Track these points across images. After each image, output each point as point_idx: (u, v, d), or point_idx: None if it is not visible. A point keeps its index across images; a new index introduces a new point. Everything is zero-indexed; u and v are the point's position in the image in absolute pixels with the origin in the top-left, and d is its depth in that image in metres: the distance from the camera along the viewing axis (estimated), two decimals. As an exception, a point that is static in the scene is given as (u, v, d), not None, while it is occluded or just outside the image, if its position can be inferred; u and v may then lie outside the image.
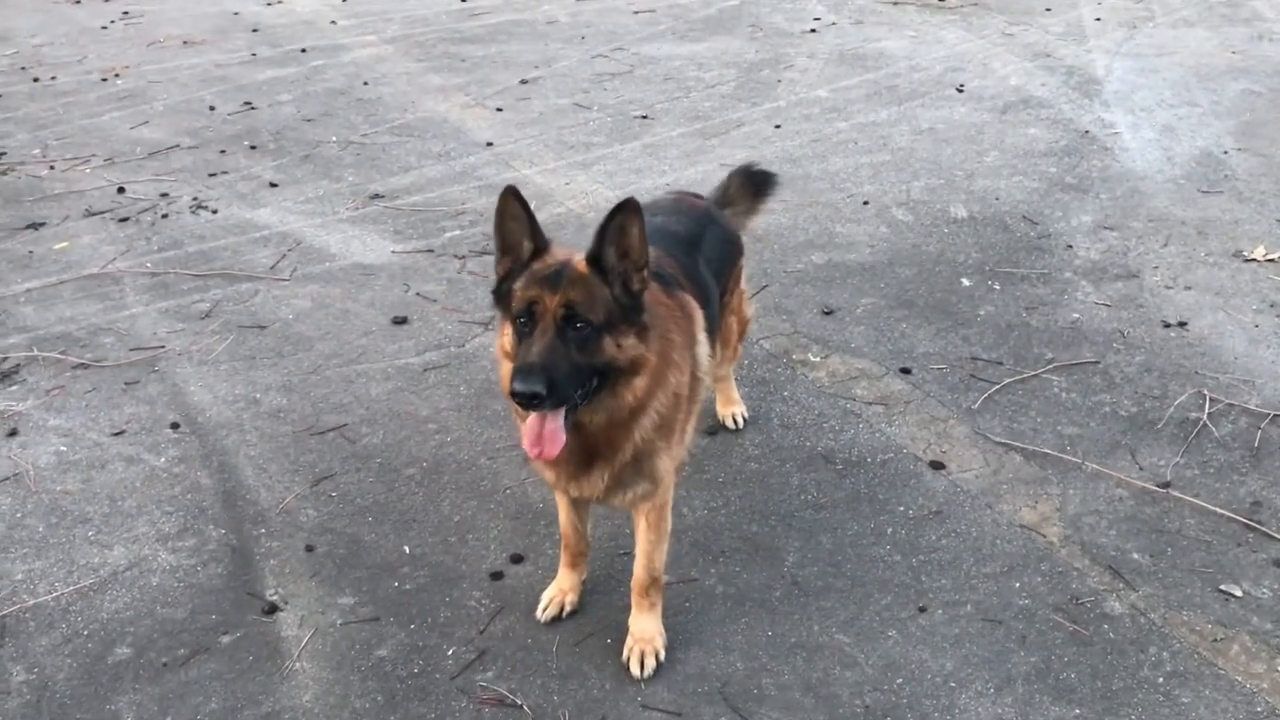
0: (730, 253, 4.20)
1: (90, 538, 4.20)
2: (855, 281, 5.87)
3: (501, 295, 3.11)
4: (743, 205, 4.58)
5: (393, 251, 6.40)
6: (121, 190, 7.38)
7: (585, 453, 3.17)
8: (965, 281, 5.83)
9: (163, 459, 4.63)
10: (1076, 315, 5.47)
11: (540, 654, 3.57)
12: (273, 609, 3.81)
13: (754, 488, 4.32)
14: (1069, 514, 4.13)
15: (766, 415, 4.75)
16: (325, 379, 5.14)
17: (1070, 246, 6.18)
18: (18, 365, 5.37)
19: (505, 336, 3.11)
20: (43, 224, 6.96)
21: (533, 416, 2.97)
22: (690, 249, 3.85)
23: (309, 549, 4.07)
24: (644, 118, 8.46)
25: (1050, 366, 5.04)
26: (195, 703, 3.46)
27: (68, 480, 4.53)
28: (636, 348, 3.03)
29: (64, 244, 6.66)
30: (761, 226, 6.50)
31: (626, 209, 2.97)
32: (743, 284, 4.45)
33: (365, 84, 9.45)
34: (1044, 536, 4.02)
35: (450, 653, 3.61)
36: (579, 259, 3.05)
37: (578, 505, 3.62)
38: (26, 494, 4.45)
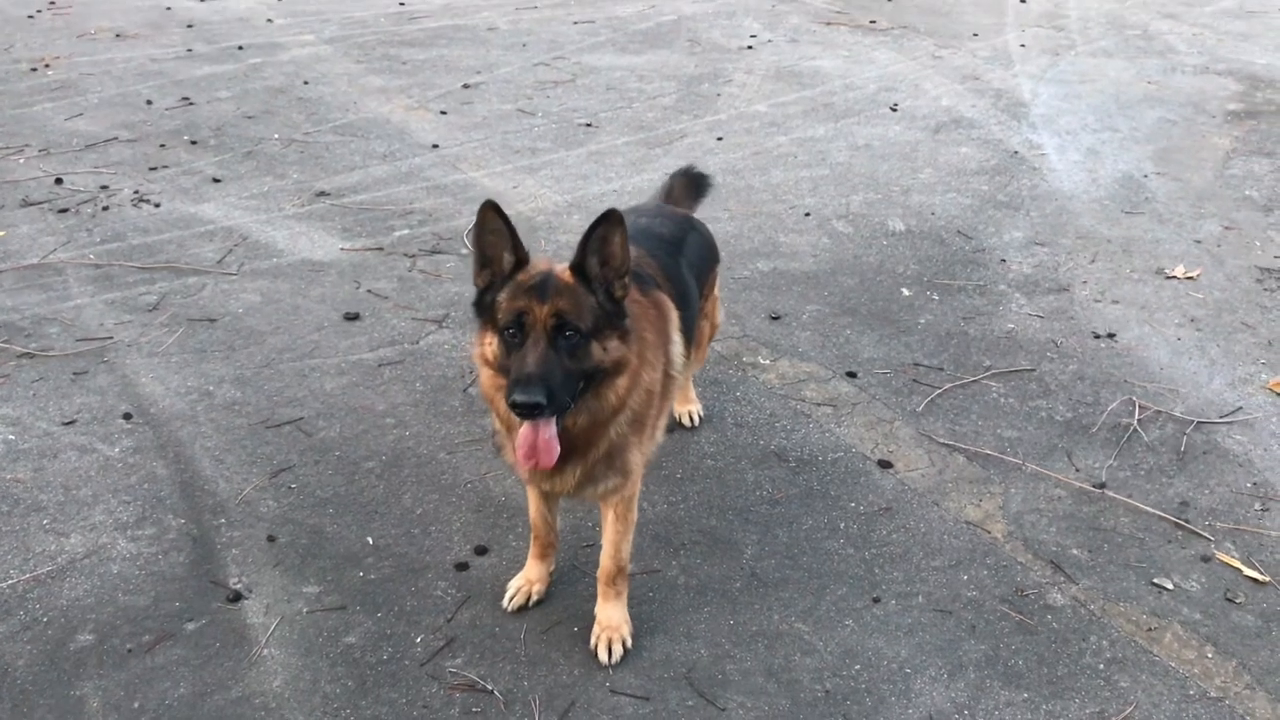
0: (708, 258, 4.36)
1: (45, 525, 4.16)
2: (800, 289, 6.03)
3: (484, 307, 3.17)
4: (685, 205, 4.73)
5: (341, 249, 6.40)
6: (59, 181, 7.26)
7: (562, 450, 3.21)
8: (905, 291, 6.03)
9: (117, 449, 4.59)
10: (1011, 325, 5.69)
11: (508, 641, 3.64)
12: (237, 597, 3.81)
13: (711, 483, 4.44)
14: (1011, 511, 4.31)
15: (721, 415, 4.88)
16: (279, 373, 5.13)
17: (1004, 260, 6.43)
18: (-42, 354, 5.27)
19: (487, 346, 3.16)
20: (-24, 213, 6.82)
21: (526, 426, 3.05)
22: (673, 251, 3.99)
23: (270, 539, 4.08)
24: (588, 125, 8.56)
25: (989, 373, 5.25)
26: (163, 688, 3.45)
27: (18, 469, 4.47)
28: (620, 349, 3.14)
29: (1, 233, 6.54)
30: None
31: (609, 220, 3.05)
32: (716, 290, 4.60)
33: (305, 83, 9.41)
34: (989, 533, 4.20)
35: (419, 640, 3.66)
36: (562, 268, 3.13)
37: (548, 497, 3.69)
38: (-26, 482, 4.38)
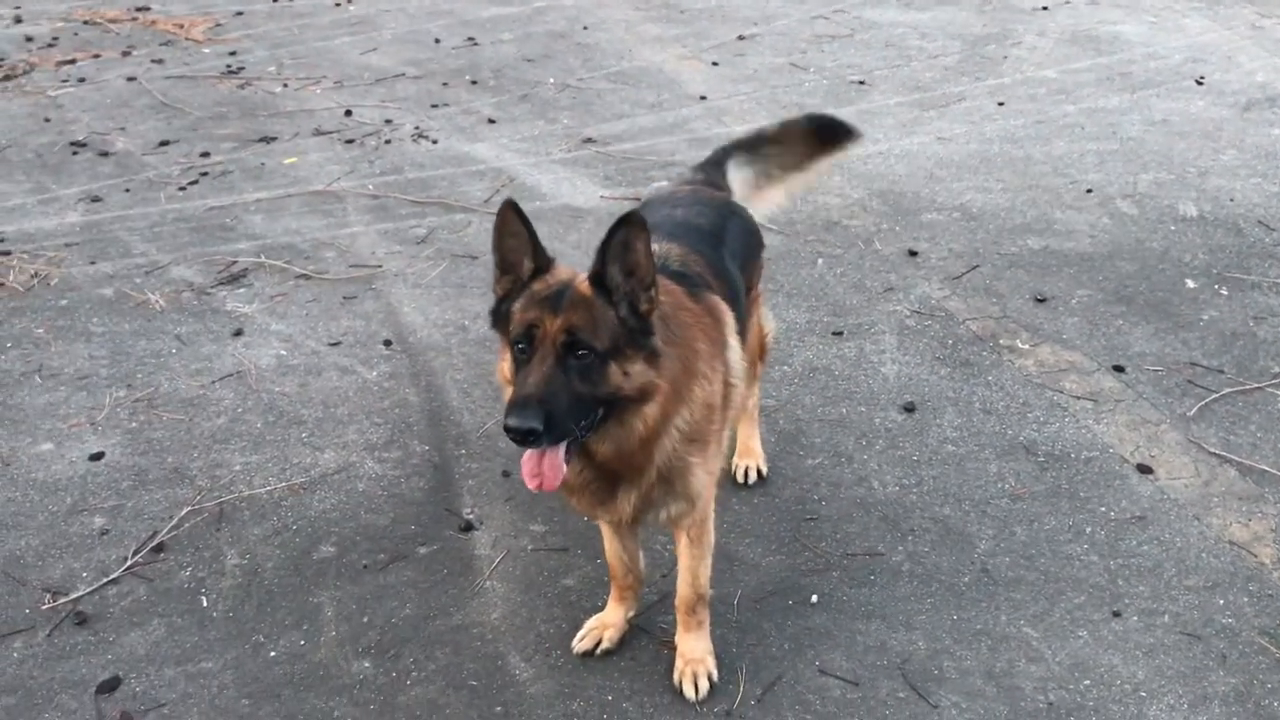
0: (752, 245, 3.83)
1: (304, 439, 4.44)
2: (1072, 271, 5.65)
3: (500, 316, 2.88)
4: (804, 165, 4.13)
5: (601, 196, 6.49)
6: (349, 113, 7.70)
7: (606, 478, 2.96)
8: (1190, 283, 5.55)
9: (374, 373, 4.84)
10: (1310, 330, 5.15)
11: (721, 606, 3.60)
12: (468, 527, 3.96)
13: (950, 470, 4.24)
14: (1285, 537, 3.92)
15: (968, 399, 4.65)
16: (529, 313, 5.26)
17: (1309, 257, 5.81)
18: (246, 269, 5.69)
19: (505, 361, 2.88)
20: (275, 138, 7.33)
21: (530, 450, 2.75)
22: (715, 243, 3.51)
23: (505, 474, 4.20)
24: (861, 83, 8.31)
25: (1276, 380, 4.76)
26: (391, 606, 3.63)
27: (286, 383, 4.78)
28: (645, 374, 2.78)
29: (293, 159, 7.00)
30: (976, 205, 6.35)
31: (630, 223, 2.70)
32: (759, 286, 3.98)
33: (585, 29, 9.57)
34: (1255, 556, 3.83)
35: (634, 592, 3.68)
36: (582, 279, 2.80)
37: (622, 532, 3.35)
38: (248, 391, 4.73)
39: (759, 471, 4.17)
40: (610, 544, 3.41)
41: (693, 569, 3.28)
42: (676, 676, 3.34)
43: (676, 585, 3.35)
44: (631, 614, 3.51)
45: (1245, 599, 3.65)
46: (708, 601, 3.37)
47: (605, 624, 3.49)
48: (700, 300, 3.19)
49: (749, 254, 3.77)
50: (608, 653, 3.45)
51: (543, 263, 2.85)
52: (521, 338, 2.75)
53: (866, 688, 3.33)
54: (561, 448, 2.72)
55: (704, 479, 3.09)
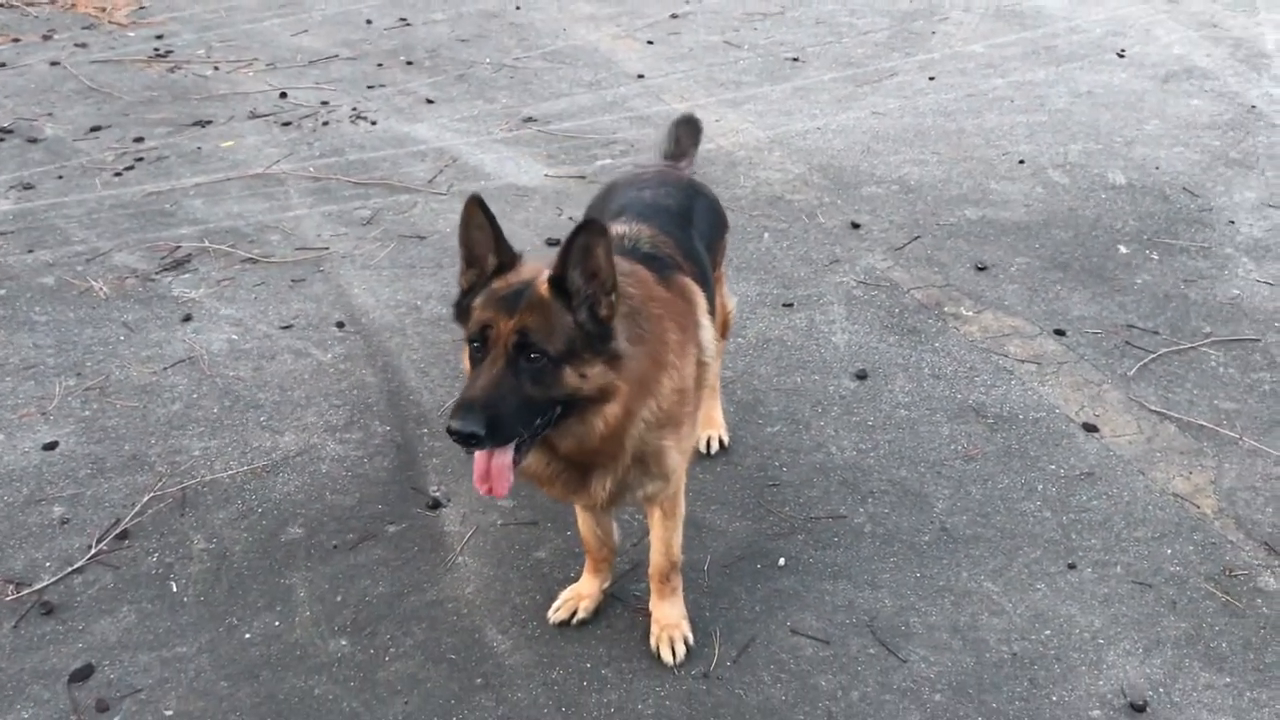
0: (717, 225, 3.89)
1: (262, 423, 4.41)
2: (1009, 240, 5.81)
3: (462, 311, 2.87)
4: (689, 156, 4.21)
5: (545, 175, 6.51)
6: (284, 95, 7.60)
7: (576, 468, 2.96)
8: (1122, 249, 5.74)
9: (329, 355, 4.82)
10: (1237, 291, 5.35)
11: (692, 572, 3.67)
12: (436, 505, 3.98)
13: (904, 434, 4.35)
14: (1224, 487, 4.09)
15: (917, 364, 4.77)
16: (482, 292, 5.27)
17: (1232, 222, 6.03)
18: (190, 255, 5.61)
19: (465, 358, 2.87)
20: (209, 122, 7.22)
21: (478, 454, 2.74)
22: (683, 224, 3.55)
23: (469, 452, 4.21)
24: (795, 60, 8.41)
25: (1208, 340, 4.96)
26: (364, 585, 3.64)
27: (240, 367, 4.74)
28: (604, 376, 2.74)
29: (230, 143, 6.90)
30: (914, 177, 6.48)
31: (591, 229, 2.68)
32: (724, 267, 4.05)
33: (517, 8, 9.54)
34: (1197, 507, 4.00)
35: (605, 562, 3.74)
36: (543, 279, 2.76)
37: (596, 511, 3.37)
38: (201, 376, 4.68)
39: (720, 441, 4.24)
40: (584, 521, 3.44)
41: (665, 539, 3.33)
42: (654, 642, 3.40)
43: (650, 555, 3.41)
44: (606, 585, 3.56)
45: (1191, 548, 3.82)
46: (680, 568, 3.43)
47: (580, 594, 3.53)
48: (671, 285, 3.20)
49: (715, 234, 3.83)
50: (583, 623, 3.50)
51: (507, 259, 2.84)
52: (476, 336, 2.73)
53: (837, 645, 3.43)
54: (509, 451, 2.70)
55: (677, 459, 3.11)
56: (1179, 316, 5.15)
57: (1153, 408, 4.51)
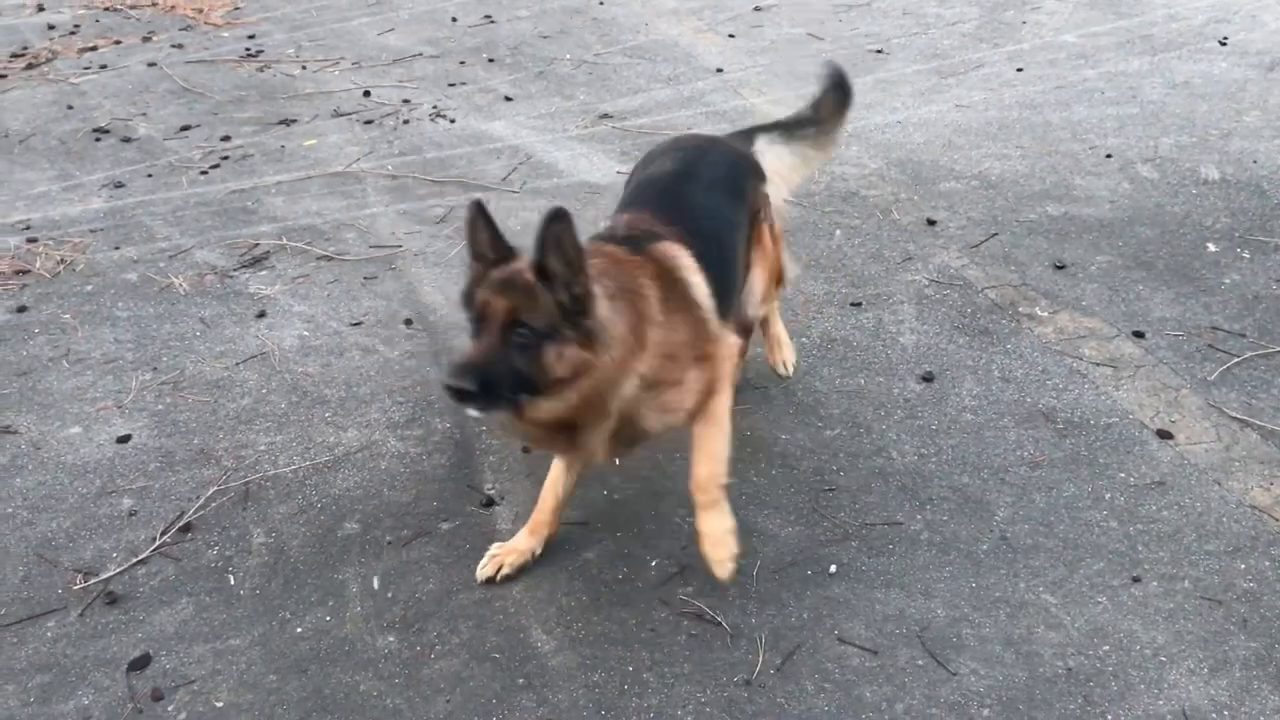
0: (739, 173, 4.05)
1: (327, 419, 4.49)
2: (1091, 237, 5.62)
3: (468, 298, 3.20)
4: (832, 120, 4.54)
5: (618, 172, 6.49)
6: (367, 94, 7.73)
7: (563, 430, 3.24)
8: (1211, 247, 5.51)
9: (396, 352, 4.88)
10: (1334, 292, 5.10)
11: (740, 576, 3.61)
12: (490, 502, 4.00)
13: (968, 439, 4.24)
14: (1307, 500, 3.91)
15: (986, 367, 4.64)
16: (548, 290, 5.29)
17: (1334, 219, 5.75)
18: (268, 252, 5.74)
19: None
20: (294, 120, 7.37)
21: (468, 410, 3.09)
22: (679, 182, 3.84)
23: (525, 450, 4.24)
24: (879, 52, 8.26)
25: (1299, 344, 4.74)
26: (414, 581, 3.68)
27: (309, 363, 4.84)
28: (578, 356, 3.06)
29: (312, 141, 7.04)
30: (994, 172, 6.32)
31: (555, 218, 2.98)
32: (773, 217, 4.22)
33: (600, 4, 9.55)
34: (1276, 520, 3.82)
35: (653, 564, 3.72)
36: (529, 266, 3.10)
37: (573, 470, 3.70)
38: (271, 372, 4.78)
39: (791, 363, 4.59)
40: (554, 474, 3.71)
41: (709, 441, 3.49)
42: (704, 555, 3.49)
43: (691, 467, 3.50)
44: (538, 550, 3.72)
45: (1267, 563, 3.65)
46: (723, 484, 3.51)
47: (508, 550, 3.70)
48: (645, 258, 3.44)
49: (736, 181, 4.00)
50: (507, 578, 3.64)
51: (503, 254, 3.16)
52: (476, 316, 3.11)
53: (885, 656, 3.36)
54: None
55: (684, 401, 3.41)
56: (1269, 318, 4.92)
57: (1234, 414, 4.32)
